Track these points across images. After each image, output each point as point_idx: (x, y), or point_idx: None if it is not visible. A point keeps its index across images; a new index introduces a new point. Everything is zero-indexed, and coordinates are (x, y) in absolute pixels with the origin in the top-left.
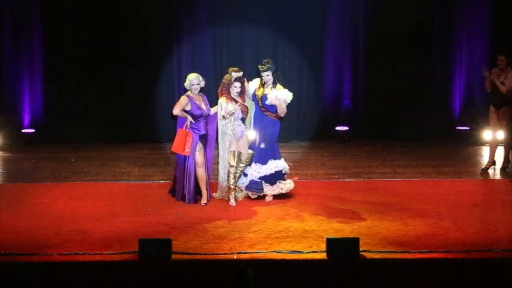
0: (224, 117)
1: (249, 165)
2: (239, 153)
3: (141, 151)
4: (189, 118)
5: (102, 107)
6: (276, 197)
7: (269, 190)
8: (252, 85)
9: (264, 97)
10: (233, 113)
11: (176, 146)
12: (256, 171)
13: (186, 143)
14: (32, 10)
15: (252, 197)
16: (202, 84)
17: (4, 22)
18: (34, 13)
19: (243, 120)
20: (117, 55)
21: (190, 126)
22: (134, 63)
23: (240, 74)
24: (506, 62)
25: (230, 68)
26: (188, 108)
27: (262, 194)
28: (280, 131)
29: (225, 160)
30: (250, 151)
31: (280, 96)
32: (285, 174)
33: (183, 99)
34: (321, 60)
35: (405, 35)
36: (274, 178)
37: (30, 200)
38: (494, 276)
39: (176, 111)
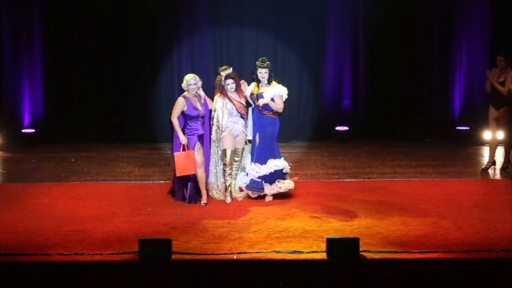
0: (212, 119)
1: (243, 160)
2: (234, 150)
3: (141, 151)
4: (183, 139)
5: (102, 107)
6: (276, 197)
7: (269, 189)
8: (249, 89)
9: (259, 96)
10: (225, 127)
11: (182, 170)
12: (255, 170)
13: (192, 163)
14: (32, 10)
15: (253, 196)
16: (199, 84)
17: (4, 22)
18: (34, 13)
19: (242, 117)
20: (117, 55)
21: (187, 128)
22: (134, 63)
23: (229, 70)
24: (505, 63)
25: (219, 68)
26: (185, 109)
27: (262, 193)
28: (280, 130)
29: (217, 158)
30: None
31: (274, 92)
32: (286, 173)
33: (180, 100)
34: (321, 60)
35: (405, 35)
36: (274, 177)
37: (30, 200)
38: (494, 276)
39: (174, 116)
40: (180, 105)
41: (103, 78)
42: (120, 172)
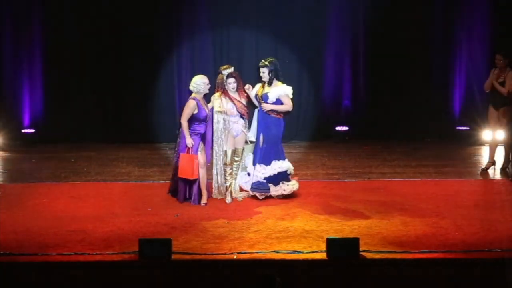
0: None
1: (243, 160)
2: (235, 150)
3: (141, 151)
4: (190, 142)
5: (102, 107)
6: (278, 196)
7: (273, 190)
8: (254, 90)
9: (264, 96)
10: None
11: (183, 172)
12: (261, 172)
13: (193, 167)
14: (32, 10)
15: (260, 198)
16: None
17: (4, 22)
18: (34, 13)
19: (242, 117)
20: (117, 55)
21: (192, 129)
22: (134, 63)
23: (231, 69)
24: (504, 62)
25: (220, 67)
26: (195, 112)
27: (269, 194)
28: (284, 131)
29: (218, 158)
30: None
31: (279, 93)
32: (289, 174)
33: (192, 104)
34: (321, 60)
35: (405, 35)
36: (278, 178)
37: (30, 200)
38: (494, 276)
39: (185, 118)
40: (191, 108)
41: (103, 78)
42: (120, 172)
